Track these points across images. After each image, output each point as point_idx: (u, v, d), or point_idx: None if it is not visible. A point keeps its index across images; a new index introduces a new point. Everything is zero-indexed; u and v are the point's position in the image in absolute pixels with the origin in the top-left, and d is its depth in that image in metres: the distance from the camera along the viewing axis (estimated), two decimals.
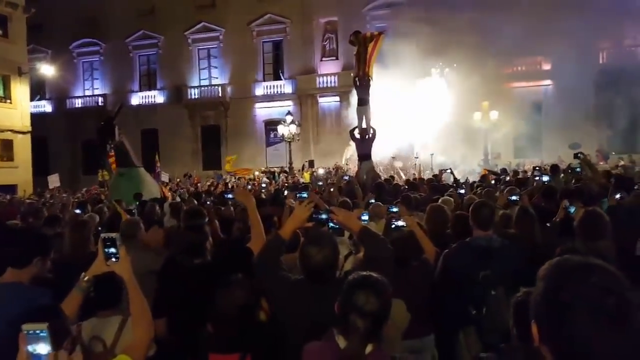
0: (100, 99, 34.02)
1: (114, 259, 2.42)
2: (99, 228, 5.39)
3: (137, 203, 7.60)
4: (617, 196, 4.74)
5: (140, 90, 34.20)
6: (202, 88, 32.53)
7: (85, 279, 2.47)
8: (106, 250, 2.42)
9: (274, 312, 2.86)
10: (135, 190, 9.74)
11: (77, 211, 6.93)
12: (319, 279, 2.63)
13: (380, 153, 18.89)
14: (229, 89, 32.13)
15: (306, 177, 22.32)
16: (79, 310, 2.51)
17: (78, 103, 34.71)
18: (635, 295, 1.15)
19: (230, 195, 4.93)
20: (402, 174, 18.96)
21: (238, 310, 2.51)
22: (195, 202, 7.70)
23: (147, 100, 33.81)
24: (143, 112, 32.44)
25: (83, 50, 34.87)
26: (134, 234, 4.41)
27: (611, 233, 3.99)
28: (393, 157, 16.55)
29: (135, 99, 33.99)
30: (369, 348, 2.00)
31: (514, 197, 5.34)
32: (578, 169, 7.93)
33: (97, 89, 35.08)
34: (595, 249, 3.93)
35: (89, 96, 34.76)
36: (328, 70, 30.27)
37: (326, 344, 2.10)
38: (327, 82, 29.98)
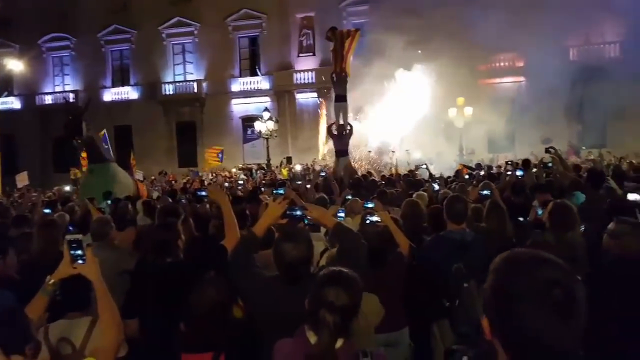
0: (71, 95, 33.20)
1: (80, 261, 2.35)
2: (70, 228, 5.28)
3: (109, 202, 7.43)
4: (582, 228, 4.56)
5: (113, 86, 33.55)
6: (177, 84, 32.10)
7: (51, 282, 2.40)
8: (72, 252, 2.35)
9: (249, 309, 2.84)
10: (106, 187, 9.53)
11: (46, 211, 6.76)
12: (294, 275, 2.62)
13: (362, 148, 18.92)
14: (204, 84, 31.79)
15: (284, 174, 22.29)
16: (47, 312, 2.45)
17: (48, 99, 33.84)
18: (581, 287, 1.19)
19: (204, 193, 4.84)
20: (379, 169, 19.08)
21: (211, 308, 2.47)
22: (170, 200, 7.61)
23: (120, 97, 33.20)
24: (116, 109, 31.87)
25: (53, 45, 33.99)
26: (105, 233, 4.33)
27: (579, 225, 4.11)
28: (369, 151, 16.69)
29: (108, 95, 33.38)
30: (339, 343, 2.00)
31: (485, 192, 5.42)
32: (550, 164, 8.06)
33: (67, 85, 34.30)
34: (566, 240, 4.02)
35: (59, 92, 33.88)
36: (305, 66, 30.18)
37: (297, 341, 2.10)
38: (304, 78, 29.90)
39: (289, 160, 26.42)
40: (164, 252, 3.43)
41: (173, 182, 20.63)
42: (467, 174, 10.91)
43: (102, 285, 2.40)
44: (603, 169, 11.00)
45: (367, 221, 4.00)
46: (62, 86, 34.42)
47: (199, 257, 3.49)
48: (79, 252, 2.35)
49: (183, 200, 5.88)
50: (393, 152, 16.20)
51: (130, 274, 3.65)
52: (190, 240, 3.85)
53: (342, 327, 2.00)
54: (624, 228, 3.31)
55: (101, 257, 4.07)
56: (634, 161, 15.37)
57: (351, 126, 15.17)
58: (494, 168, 14.83)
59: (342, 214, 4.78)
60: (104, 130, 15.10)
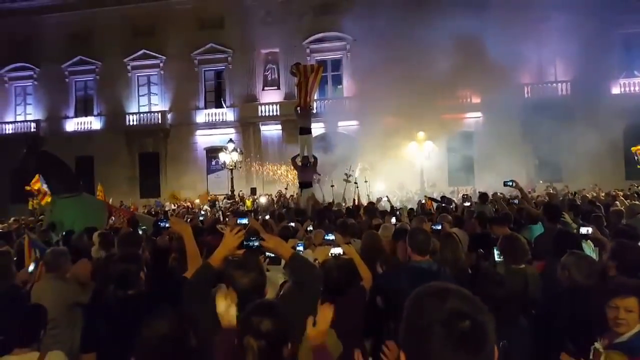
0: (32, 125, 32.61)
1: None
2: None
3: (64, 233, 7.18)
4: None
5: (76, 116, 33.02)
6: (141, 115, 31.82)
7: None
8: None
9: (201, 343, 2.77)
10: (68, 220, 9.15)
11: None
12: (245, 304, 2.58)
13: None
14: (169, 115, 31.63)
15: (248, 205, 22.19)
16: None
17: (8, 129, 33.03)
18: (489, 319, 1.20)
19: (167, 225, 4.72)
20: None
21: (162, 342, 2.33)
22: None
23: (82, 127, 32.68)
24: (78, 139, 31.31)
25: (15, 74, 33.40)
26: (58, 265, 4.23)
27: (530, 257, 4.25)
28: (332, 186, 16.80)
29: (71, 125, 32.81)
30: None
31: (437, 227, 5.53)
32: (516, 200, 8.11)
33: (29, 114, 33.59)
34: (517, 272, 4.15)
35: (20, 122, 33.23)
36: (270, 99, 30.46)
37: None
38: (269, 111, 30.13)
39: (253, 191, 26.36)
40: (125, 284, 3.32)
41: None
42: (430, 207, 11.10)
43: None
44: (558, 203, 11.36)
45: (331, 254, 4.02)
46: (23, 115, 33.69)
47: (161, 289, 3.41)
48: None
49: (140, 232, 5.72)
50: (356, 184, 16.36)
51: (83, 307, 3.55)
52: (153, 273, 3.77)
53: (271, 354, 2.02)
54: (571, 260, 3.47)
55: (52, 289, 3.98)
56: (588, 195, 15.93)
57: (315, 158, 15.28)
58: (456, 201, 15.13)
59: (301, 247, 4.81)
60: None
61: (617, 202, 11.01)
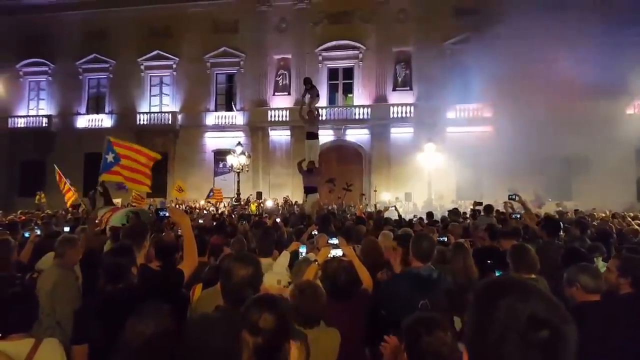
0: (44, 120, 32.88)
1: None
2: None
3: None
4: None
5: (88, 114, 33.29)
6: (152, 114, 32.01)
7: None
8: None
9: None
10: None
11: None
12: (238, 298, 2.53)
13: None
14: (179, 116, 31.77)
15: (252, 209, 22.14)
16: None
17: (21, 123, 33.33)
18: (572, 329, 1.06)
19: (166, 214, 4.68)
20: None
21: (146, 343, 2.20)
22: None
23: (93, 124, 32.90)
24: (88, 136, 31.44)
25: (31, 69, 33.77)
26: (62, 252, 4.25)
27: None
28: (344, 188, 16.66)
29: (82, 122, 33.05)
30: None
31: (442, 238, 5.48)
32: (517, 216, 8.10)
33: (42, 109, 33.92)
34: (530, 281, 4.06)
35: (33, 116, 33.53)
36: (280, 104, 30.54)
37: None
38: (278, 116, 30.18)
39: (259, 195, 26.32)
40: (116, 278, 3.21)
41: None
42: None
43: None
44: (565, 220, 11.22)
45: (331, 256, 3.97)
46: (36, 110, 34.03)
47: (154, 282, 3.34)
48: None
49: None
50: (363, 194, 16.25)
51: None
52: (146, 266, 3.71)
53: (268, 351, 1.91)
54: (578, 270, 3.37)
55: (59, 276, 3.97)
56: (596, 214, 15.70)
57: (321, 164, 15.17)
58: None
59: (303, 250, 4.78)
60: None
61: (625, 224, 10.94)
